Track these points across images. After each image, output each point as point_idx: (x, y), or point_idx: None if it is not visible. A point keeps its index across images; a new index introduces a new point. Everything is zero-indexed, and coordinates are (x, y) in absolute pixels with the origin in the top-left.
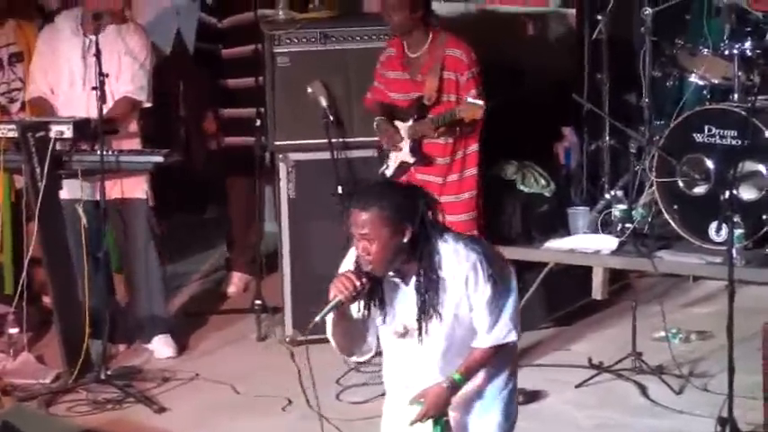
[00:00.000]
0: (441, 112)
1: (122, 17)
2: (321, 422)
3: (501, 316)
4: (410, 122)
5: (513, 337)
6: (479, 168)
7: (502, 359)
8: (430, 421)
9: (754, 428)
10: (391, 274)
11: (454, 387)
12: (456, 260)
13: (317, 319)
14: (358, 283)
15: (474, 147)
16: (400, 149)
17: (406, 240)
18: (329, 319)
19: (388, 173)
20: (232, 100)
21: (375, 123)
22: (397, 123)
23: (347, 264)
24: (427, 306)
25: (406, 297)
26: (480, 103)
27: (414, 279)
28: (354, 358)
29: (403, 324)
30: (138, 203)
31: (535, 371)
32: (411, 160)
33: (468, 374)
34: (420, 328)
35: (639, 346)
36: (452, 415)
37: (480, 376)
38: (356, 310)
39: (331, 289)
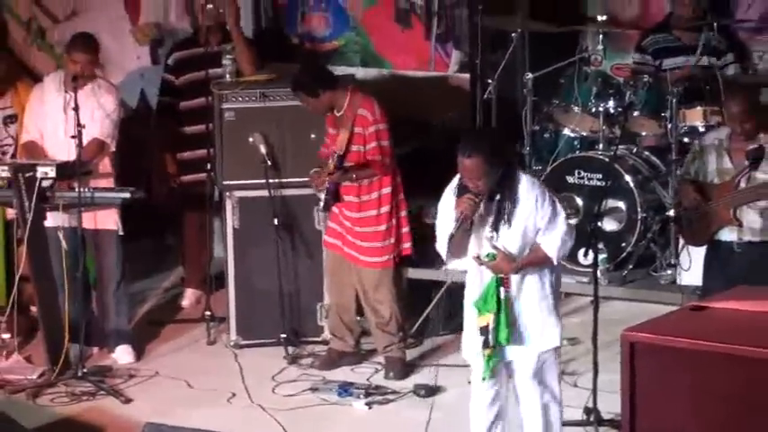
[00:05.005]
0: (353, 160)
1: (95, 77)
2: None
3: (557, 232)
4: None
5: (555, 254)
6: (391, 206)
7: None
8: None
9: (614, 416)
10: None
11: (515, 264)
12: (530, 186)
13: (453, 231)
14: (477, 201)
15: (387, 189)
16: (324, 190)
17: (500, 172)
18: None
19: (321, 205)
20: (189, 144)
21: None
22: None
23: (448, 194)
24: (503, 214)
25: (486, 209)
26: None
27: (497, 196)
28: (456, 262)
29: (484, 231)
30: (110, 233)
31: (436, 370)
32: (323, 196)
33: (528, 263)
34: (497, 230)
35: None
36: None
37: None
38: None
39: (456, 210)
